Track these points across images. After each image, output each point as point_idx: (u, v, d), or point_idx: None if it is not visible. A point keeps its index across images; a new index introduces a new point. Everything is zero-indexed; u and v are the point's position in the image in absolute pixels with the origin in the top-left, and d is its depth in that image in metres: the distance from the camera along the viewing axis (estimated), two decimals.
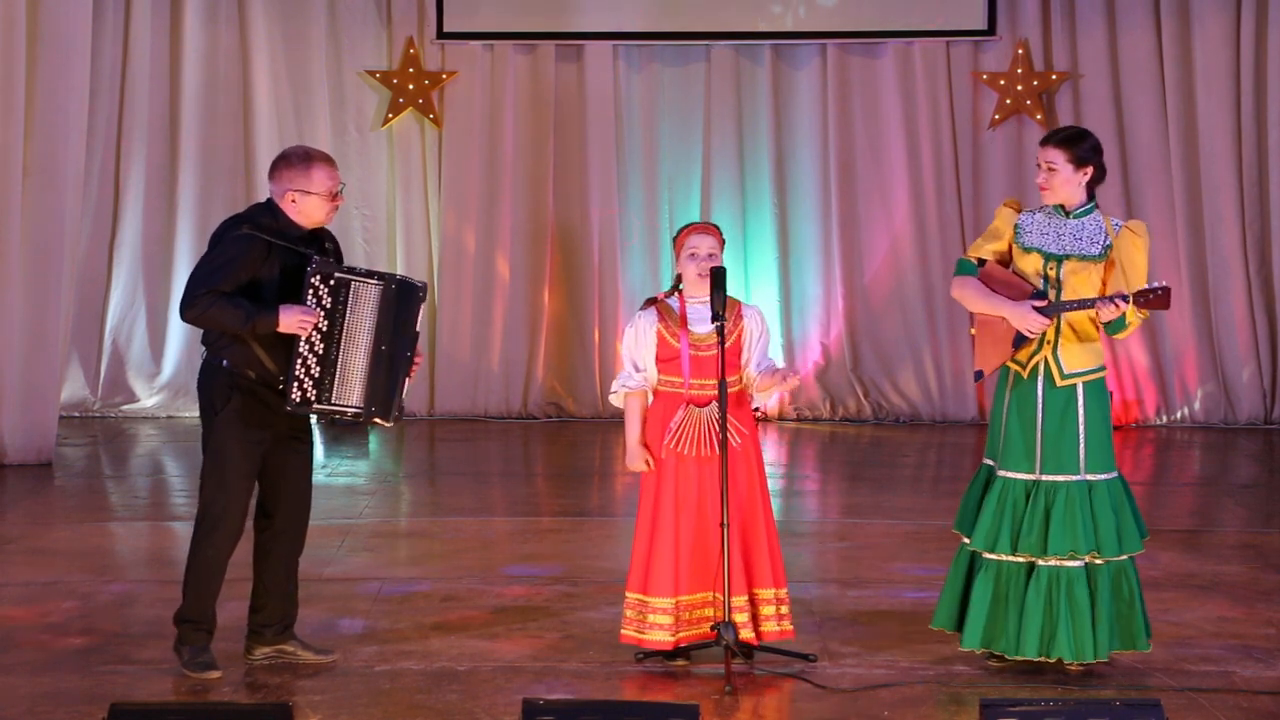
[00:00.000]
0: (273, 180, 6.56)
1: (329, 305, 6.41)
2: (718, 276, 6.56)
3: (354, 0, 13.34)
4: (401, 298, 6.53)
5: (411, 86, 13.27)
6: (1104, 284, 6.59)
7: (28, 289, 10.94)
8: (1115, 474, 6.63)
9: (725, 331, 6.59)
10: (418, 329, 6.62)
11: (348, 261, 6.99)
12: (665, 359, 6.68)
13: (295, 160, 6.55)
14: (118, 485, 11.00)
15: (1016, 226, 6.68)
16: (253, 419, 6.46)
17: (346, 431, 12.64)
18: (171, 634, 6.86)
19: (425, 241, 13.46)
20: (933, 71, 13.30)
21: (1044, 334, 6.56)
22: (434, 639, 7.04)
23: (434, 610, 7.50)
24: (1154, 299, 6.40)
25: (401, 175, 13.43)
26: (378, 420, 6.51)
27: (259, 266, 6.42)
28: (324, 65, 13.33)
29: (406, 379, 6.57)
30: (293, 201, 6.50)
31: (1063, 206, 6.63)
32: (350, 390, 6.45)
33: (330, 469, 11.19)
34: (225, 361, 6.46)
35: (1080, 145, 6.61)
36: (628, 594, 6.69)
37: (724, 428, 6.48)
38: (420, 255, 13.44)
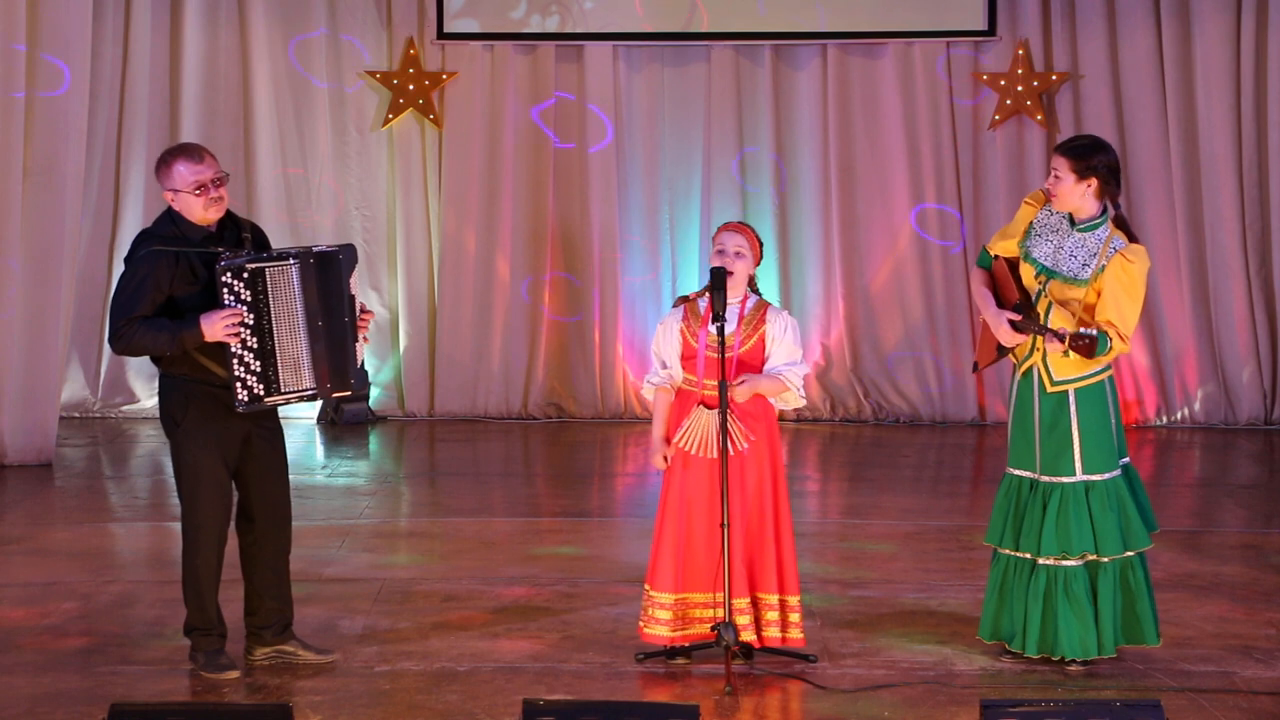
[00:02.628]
0: (158, 182, 6.53)
1: (249, 299, 6.31)
2: (716, 277, 6.56)
3: (354, 0, 13.34)
4: (323, 269, 6.43)
5: (411, 87, 13.27)
6: (1089, 306, 6.57)
7: (28, 289, 10.94)
8: (1118, 471, 6.62)
9: (742, 335, 6.62)
10: (352, 292, 6.51)
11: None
12: (686, 358, 6.71)
13: (162, 161, 6.50)
14: (118, 485, 10.99)
15: (1029, 227, 6.69)
16: (216, 424, 6.43)
17: (347, 431, 12.64)
18: (174, 634, 6.88)
19: (425, 241, 13.45)
20: (933, 71, 13.30)
21: (1033, 340, 6.58)
22: (434, 639, 7.04)
23: (434, 610, 7.50)
24: (1081, 345, 6.39)
25: (401, 175, 13.42)
26: (336, 394, 6.49)
27: (171, 280, 6.34)
28: (324, 65, 13.33)
29: (357, 343, 6.51)
30: (172, 201, 6.46)
31: (1072, 215, 6.63)
32: (299, 375, 6.40)
33: (330, 469, 11.19)
34: (177, 374, 6.42)
35: (1086, 158, 6.59)
36: (644, 585, 6.73)
37: (724, 430, 6.49)
38: (420, 255, 13.44)
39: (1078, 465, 6.55)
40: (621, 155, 13.40)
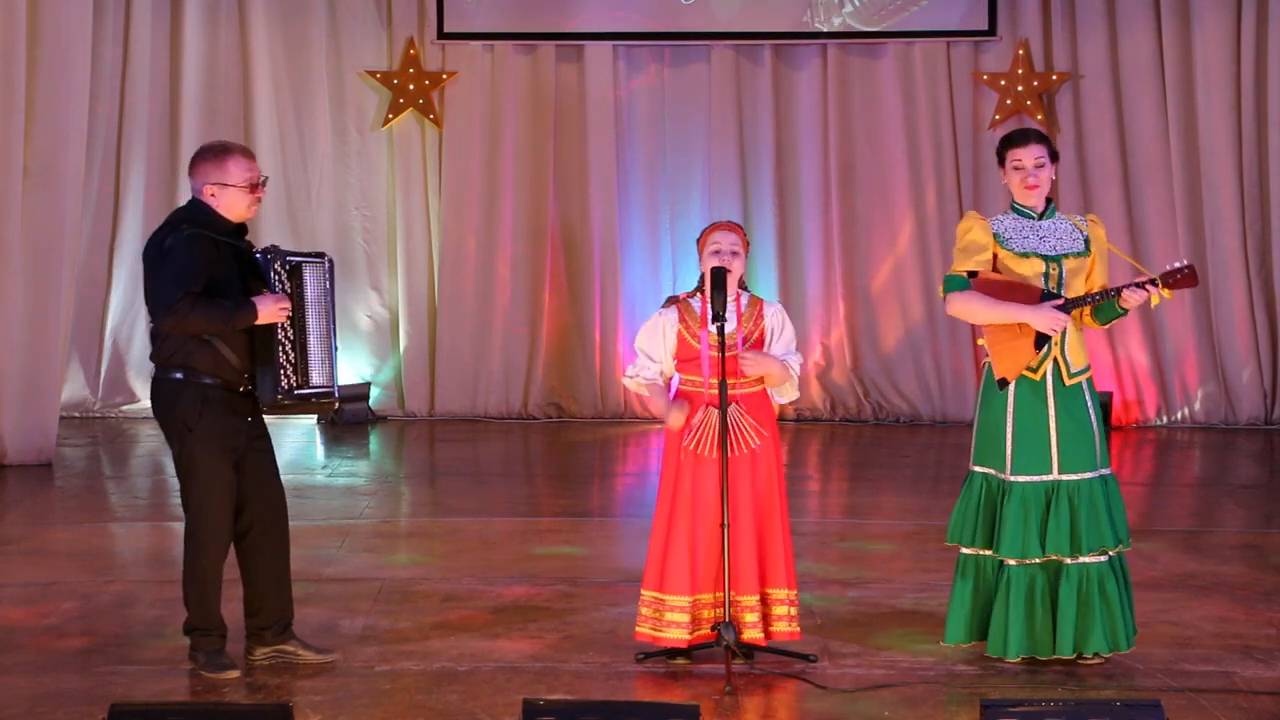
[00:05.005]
0: (192, 176, 6.53)
1: (290, 290, 6.42)
2: (717, 276, 6.55)
3: (354, 0, 13.34)
4: (329, 275, 6.58)
5: (411, 87, 13.28)
6: (1088, 277, 6.60)
7: (28, 289, 10.94)
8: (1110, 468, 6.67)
9: (744, 332, 6.60)
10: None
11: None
12: (685, 359, 6.68)
13: (211, 154, 6.51)
14: (118, 485, 10.99)
15: (996, 235, 6.63)
16: (226, 427, 6.43)
17: (347, 431, 12.64)
18: (174, 634, 6.88)
19: (425, 241, 13.46)
20: (933, 71, 13.31)
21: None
22: (434, 639, 7.04)
23: (434, 610, 7.50)
24: (1181, 278, 6.38)
25: (401, 175, 13.43)
26: (334, 400, 6.56)
27: (214, 264, 6.38)
28: (324, 65, 13.34)
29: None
30: (212, 195, 6.47)
31: (1030, 210, 6.61)
32: (320, 372, 6.48)
33: (330, 469, 11.19)
34: (182, 374, 6.40)
35: (1052, 143, 6.69)
36: (644, 592, 6.68)
37: (724, 429, 6.47)
38: (420, 255, 13.45)
39: (1097, 459, 6.54)
40: (621, 155, 13.40)
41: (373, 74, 13.33)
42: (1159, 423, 13.23)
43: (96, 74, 12.07)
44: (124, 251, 13.23)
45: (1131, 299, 6.43)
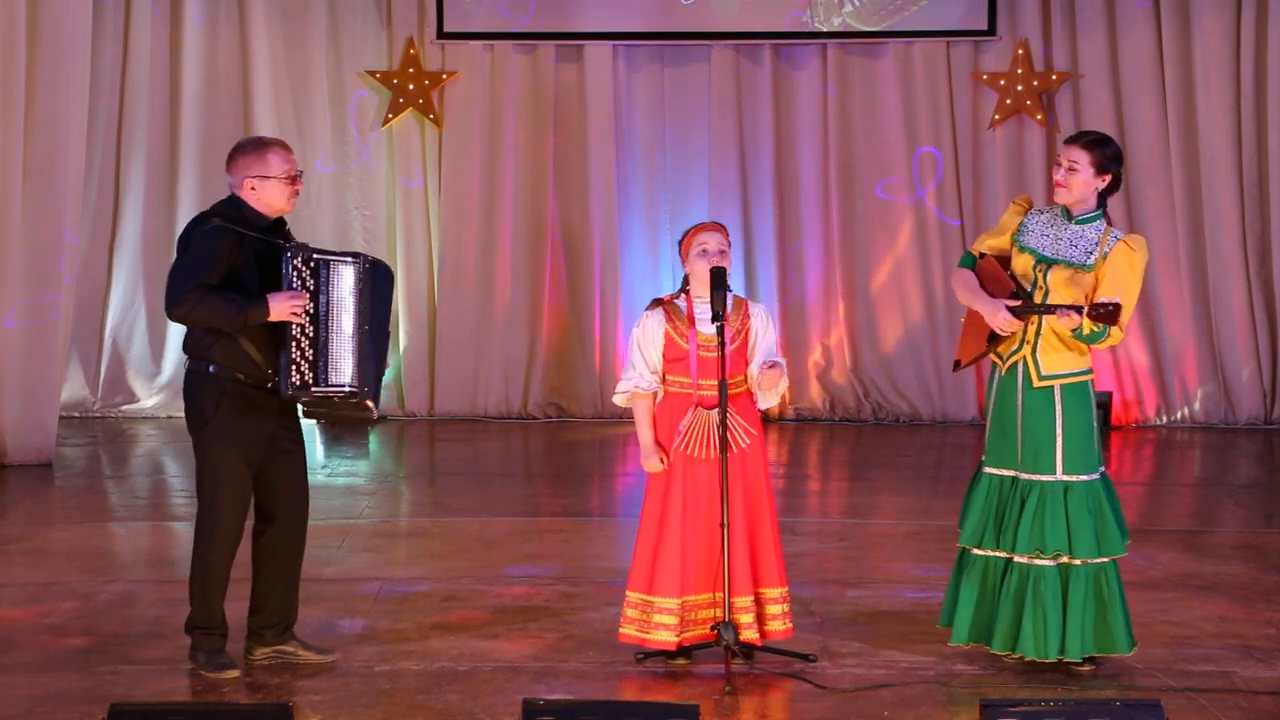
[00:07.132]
0: (230, 171, 6.56)
1: (311, 287, 6.40)
2: (717, 276, 6.54)
3: (354, 0, 13.34)
4: (376, 279, 6.55)
5: (411, 86, 13.27)
6: (1092, 295, 6.57)
7: (28, 289, 10.94)
8: (1097, 476, 6.59)
9: (732, 332, 6.59)
10: (389, 329, 6.65)
11: None
12: (673, 359, 6.66)
13: (250, 147, 6.56)
14: (118, 485, 10.99)
15: (1021, 225, 6.70)
16: (244, 423, 6.43)
17: (346, 431, 12.64)
18: (174, 633, 6.88)
19: (425, 241, 13.46)
20: (933, 71, 13.31)
21: (1024, 333, 6.57)
22: (434, 639, 7.04)
23: (434, 610, 7.50)
24: (1104, 313, 6.37)
25: (401, 175, 13.42)
26: (368, 403, 6.49)
27: (234, 258, 6.39)
28: (324, 65, 13.33)
29: (385, 365, 6.61)
30: (252, 189, 6.49)
31: (1068, 209, 6.62)
32: (341, 371, 6.44)
33: (330, 469, 11.19)
34: (212, 367, 6.42)
35: (1104, 150, 6.61)
36: (629, 593, 6.67)
37: (724, 428, 6.47)
38: (420, 255, 13.45)
39: (1059, 464, 6.54)
40: (621, 155, 13.40)
41: (373, 74, 13.33)
42: (1159, 422, 13.22)
43: (96, 74, 12.07)
44: (124, 251, 13.23)
45: (1061, 322, 6.45)
